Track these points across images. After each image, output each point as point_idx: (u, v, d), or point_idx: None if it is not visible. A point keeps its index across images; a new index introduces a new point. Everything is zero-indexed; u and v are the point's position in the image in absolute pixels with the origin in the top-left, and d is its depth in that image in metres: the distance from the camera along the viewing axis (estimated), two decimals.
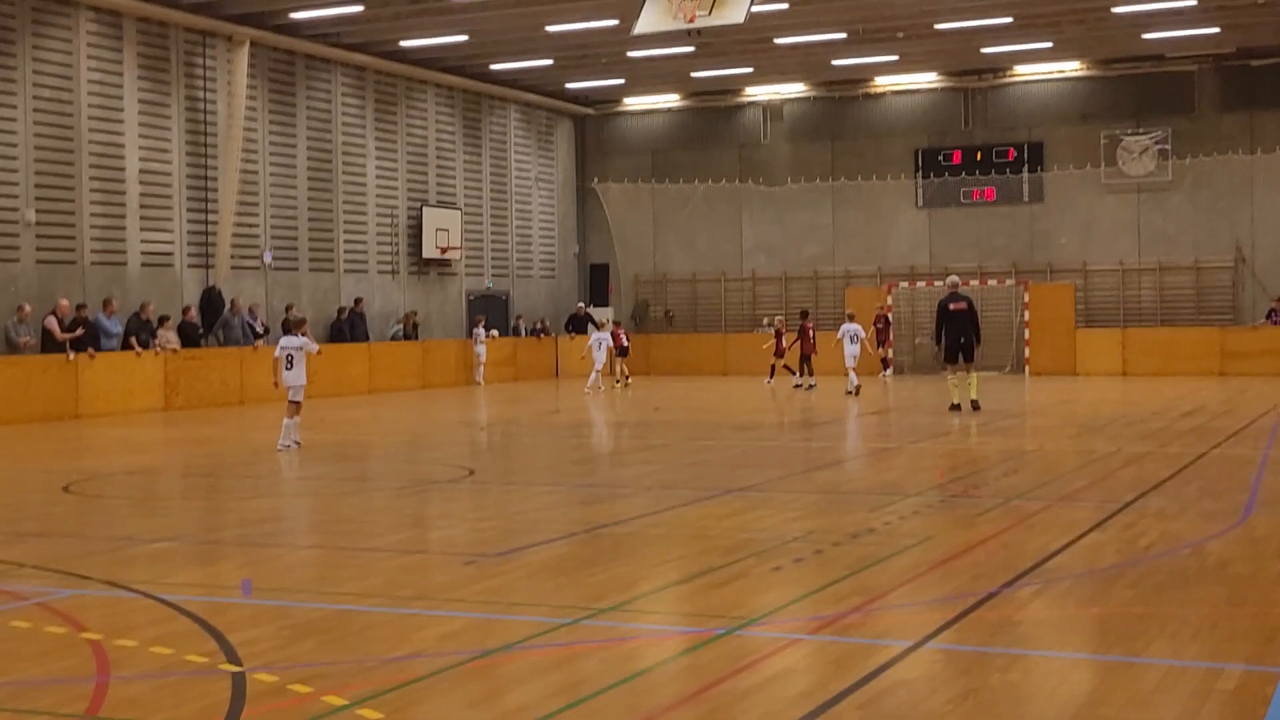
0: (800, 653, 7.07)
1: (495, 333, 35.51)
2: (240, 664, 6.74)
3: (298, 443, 17.54)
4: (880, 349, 34.50)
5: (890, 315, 35.26)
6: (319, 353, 18.09)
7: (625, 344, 33.61)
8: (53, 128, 25.89)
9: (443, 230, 35.48)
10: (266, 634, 7.41)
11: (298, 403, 17.61)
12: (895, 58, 35.26)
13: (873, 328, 34.34)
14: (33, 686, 6.48)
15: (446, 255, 35.65)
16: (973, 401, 22.68)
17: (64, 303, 24.94)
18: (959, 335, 22.70)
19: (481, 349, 34.43)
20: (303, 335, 17.99)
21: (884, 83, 38.28)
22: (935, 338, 23.49)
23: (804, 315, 31.18)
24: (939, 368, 24.62)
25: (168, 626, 7.63)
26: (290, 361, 17.51)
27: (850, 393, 27.83)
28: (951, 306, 22.81)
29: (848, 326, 29.54)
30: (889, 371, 34.58)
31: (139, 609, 8.13)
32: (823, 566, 9.26)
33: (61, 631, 7.55)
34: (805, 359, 30.43)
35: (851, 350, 28.77)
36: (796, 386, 30.35)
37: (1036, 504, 12.01)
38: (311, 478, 15.32)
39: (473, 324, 35.37)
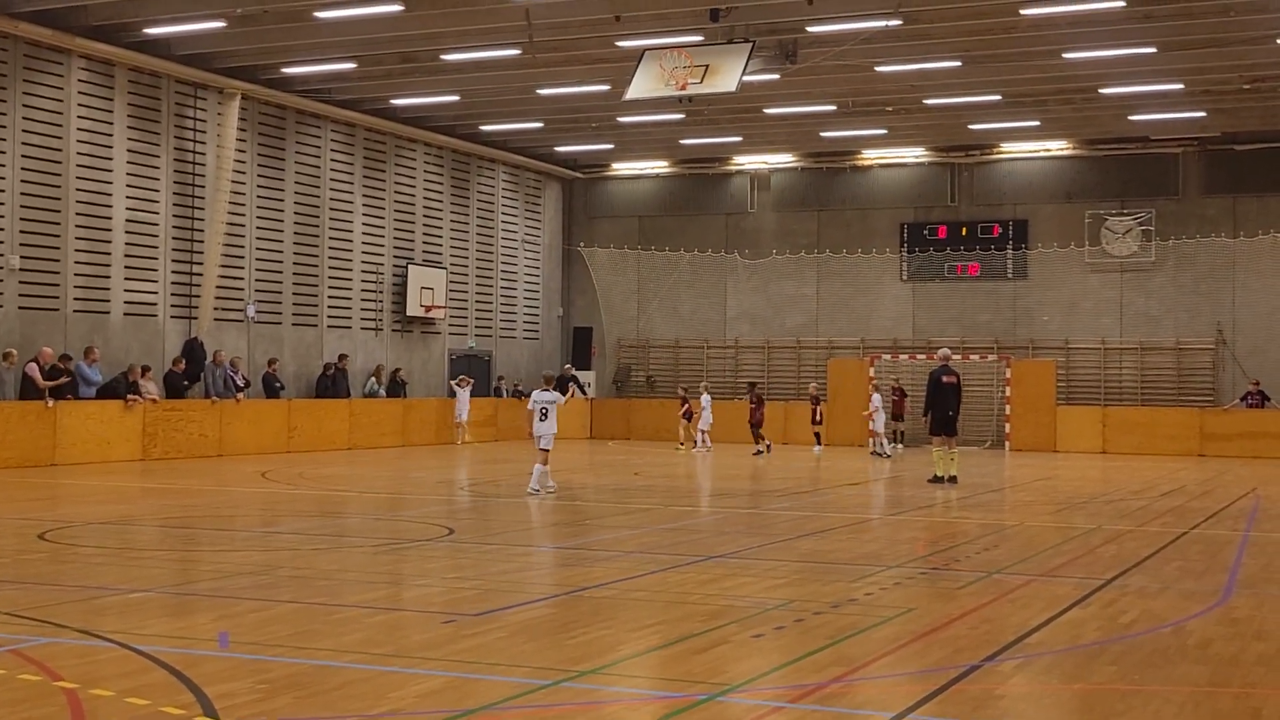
0: None
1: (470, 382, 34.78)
2: (217, 717, 6.66)
3: (550, 489, 19.25)
4: (896, 421, 34.56)
5: (904, 389, 35.11)
6: (564, 402, 20.22)
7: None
8: (40, 174, 25.93)
9: (428, 289, 35.52)
10: (243, 688, 7.33)
11: (547, 450, 19.07)
12: (884, 131, 35.60)
13: (890, 400, 34.47)
14: None
15: (431, 314, 35.66)
16: (952, 476, 22.72)
17: (47, 350, 24.85)
18: (948, 408, 22.81)
19: (463, 408, 34.12)
20: (555, 390, 19.66)
21: (871, 156, 38.62)
22: (925, 409, 23.53)
23: (685, 389, 34.75)
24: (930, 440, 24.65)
25: (143, 677, 7.54)
26: (544, 414, 18.88)
27: (883, 455, 30.90)
28: (944, 379, 22.92)
29: (877, 397, 31.58)
30: (900, 445, 34.49)
31: (114, 659, 8.04)
32: (804, 635, 9.20)
33: (36, 679, 7.45)
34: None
35: (880, 418, 31.40)
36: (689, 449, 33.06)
37: (1018, 579, 11.99)
38: (289, 533, 15.21)
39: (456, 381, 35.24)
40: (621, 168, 41.30)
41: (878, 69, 28.75)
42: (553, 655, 8.45)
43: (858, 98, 31.96)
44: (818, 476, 25.09)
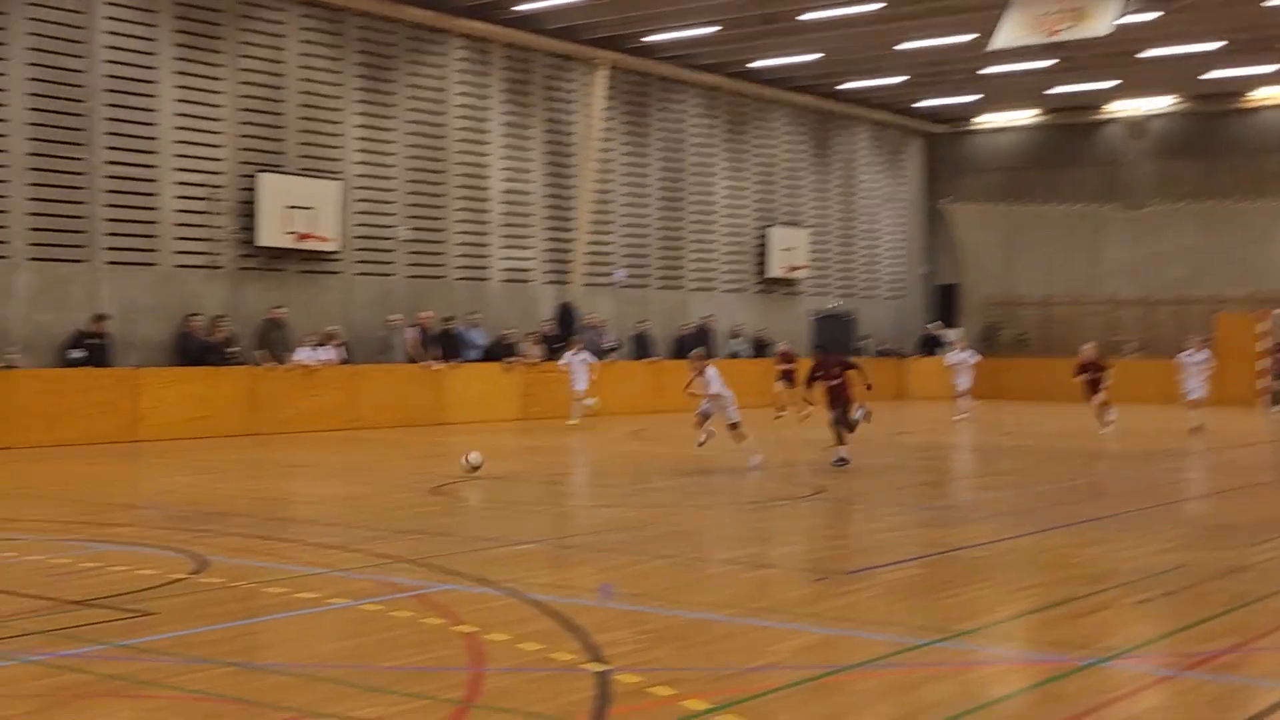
0: (1171, 690, 6.72)
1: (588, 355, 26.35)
2: (604, 664, 6.93)
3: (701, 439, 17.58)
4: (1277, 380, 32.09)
5: None
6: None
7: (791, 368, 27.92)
8: (425, 149, 27.42)
9: (789, 249, 35.64)
10: (626, 637, 7.59)
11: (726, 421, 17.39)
12: (1275, 68, 33.20)
13: (1271, 357, 31.89)
14: (415, 673, 6.85)
15: (793, 274, 35.78)
16: None
17: (425, 315, 26.33)
18: None
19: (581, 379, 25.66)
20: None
21: (1261, 96, 36.11)
22: None
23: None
24: None
25: (534, 624, 7.92)
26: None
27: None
28: None
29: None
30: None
31: (507, 606, 8.48)
32: (1195, 601, 8.78)
33: (438, 623, 7.95)
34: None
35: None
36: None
37: None
38: (660, 489, 15.60)
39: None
40: (987, 120, 40.20)
41: (1265, 3, 26.82)
42: (926, 615, 8.37)
43: (1246, 34, 29.91)
44: (1200, 439, 23.69)
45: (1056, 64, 32.08)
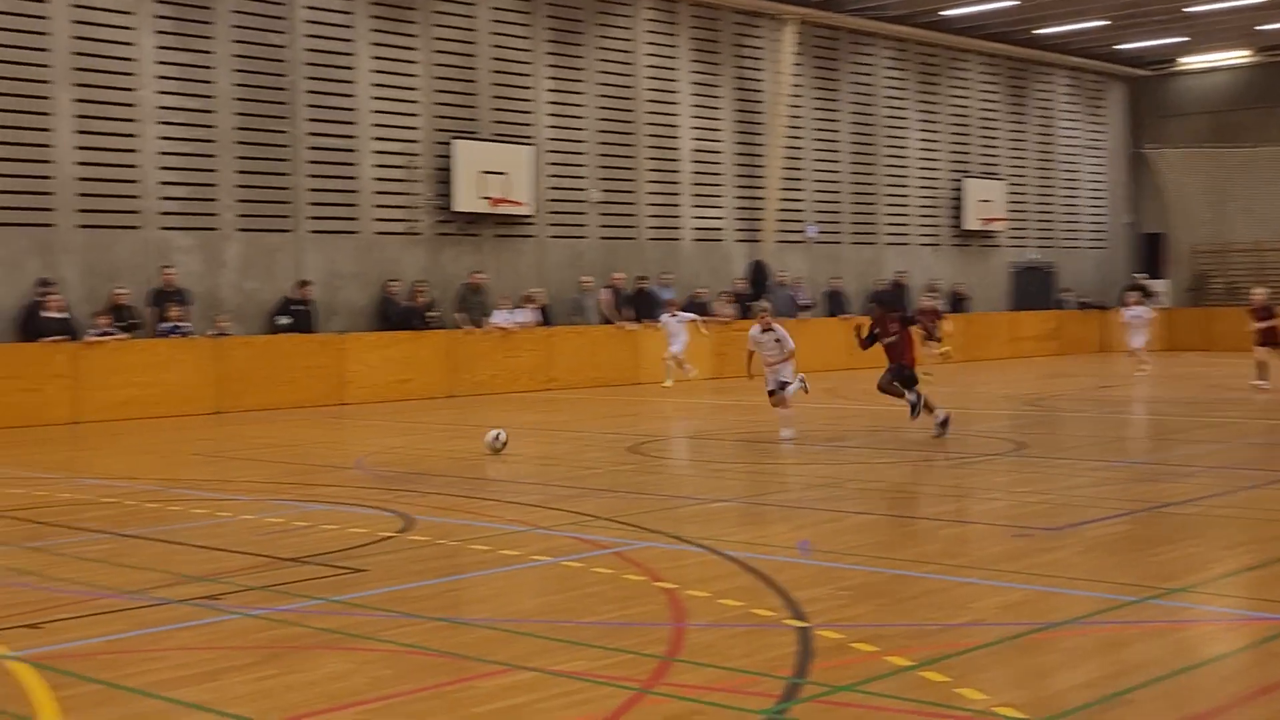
0: None
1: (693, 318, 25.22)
2: (805, 620, 6.92)
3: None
4: None
5: None
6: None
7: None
8: (615, 111, 27.57)
9: (986, 201, 34.88)
10: (826, 594, 7.57)
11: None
12: None
13: None
14: (617, 628, 6.95)
15: (990, 226, 35.02)
16: None
17: (618, 276, 26.56)
18: None
19: (678, 342, 24.67)
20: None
21: None
22: None
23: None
24: None
25: (733, 581, 7.96)
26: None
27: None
28: None
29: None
30: None
31: (705, 563, 8.53)
32: None
33: (638, 579, 8.05)
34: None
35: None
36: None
37: None
38: (854, 447, 15.48)
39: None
40: (1192, 61, 38.61)
41: None
42: (1136, 571, 8.15)
43: None
44: None
45: (1267, 1, 30.62)
